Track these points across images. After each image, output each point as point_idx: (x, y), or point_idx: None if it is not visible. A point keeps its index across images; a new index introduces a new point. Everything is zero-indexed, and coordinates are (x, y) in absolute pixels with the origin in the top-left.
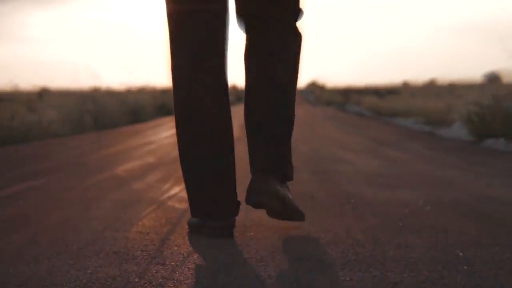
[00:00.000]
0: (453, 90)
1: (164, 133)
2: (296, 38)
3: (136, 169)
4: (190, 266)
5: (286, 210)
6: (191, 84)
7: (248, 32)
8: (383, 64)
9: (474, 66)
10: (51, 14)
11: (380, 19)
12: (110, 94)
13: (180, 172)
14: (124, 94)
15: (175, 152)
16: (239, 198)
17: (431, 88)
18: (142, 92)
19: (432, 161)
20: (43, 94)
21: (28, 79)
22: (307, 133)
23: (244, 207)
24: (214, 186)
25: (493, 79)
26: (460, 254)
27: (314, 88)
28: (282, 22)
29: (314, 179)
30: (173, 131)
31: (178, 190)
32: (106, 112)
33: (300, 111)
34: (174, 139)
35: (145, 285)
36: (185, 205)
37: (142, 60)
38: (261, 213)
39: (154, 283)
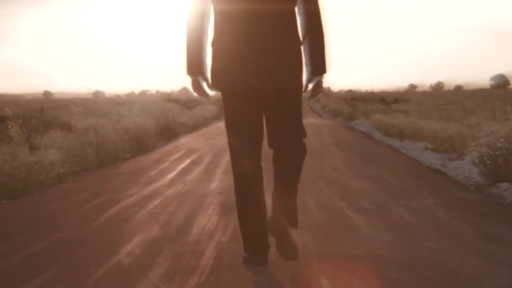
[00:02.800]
0: (461, 94)
1: (168, 175)
2: (303, 150)
3: (139, 252)
4: None
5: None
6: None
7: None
8: (390, 66)
9: (481, 69)
10: (44, 17)
11: (387, 22)
12: (111, 101)
13: (185, 263)
14: (127, 100)
15: (179, 217)
16: None
17: (438, 95)
18: (143, 95)
19: (444, 233)
20: (46, 99)
21: (31, 82)
22: (315, 171)
23: None
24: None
25: (500, 82)
26: None
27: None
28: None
29: (323, 274)
30: (175, 172)
31: None
32: (108, 143)
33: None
34: (178, 188)
35: None
36: None
37: (144, 64)
38: None
39: None
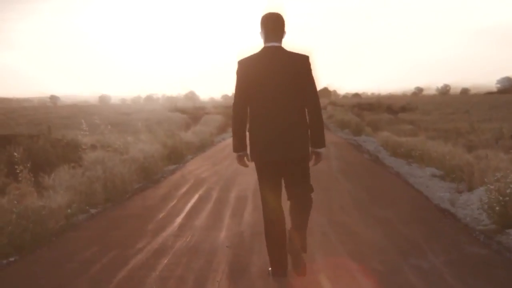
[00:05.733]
0: (467, 100)
1: (176, 219)
2: (310, 201)
3: None
4: None
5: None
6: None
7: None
8: (396, 69)
9: (488, 71)
10: (43, 20)
11: (394, 24)
12: (117, 110)
13: None
14: (133, 107)
15: (188, 285)
16: None
17: (445, 102)
18: (150, 99)
19: None
20: (53, 104)
21: (37, 86)
22: (323, 213)
23: None
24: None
25: (506, 85)
26: None
27: (326, 94)
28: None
29: None
30: (182, 215)
31: None
32: (115, 175)
33: None
34: (186, 240)
35: None
36: None
37: (150, 66)
38: None
39: None
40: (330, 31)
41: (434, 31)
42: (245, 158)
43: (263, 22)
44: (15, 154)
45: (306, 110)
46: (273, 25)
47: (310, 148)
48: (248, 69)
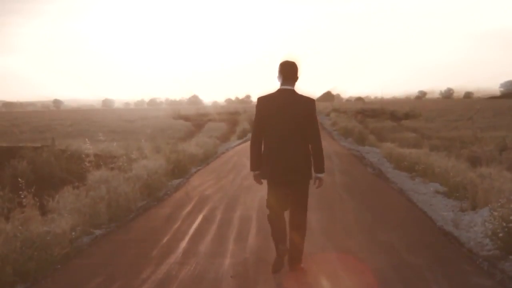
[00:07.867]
0: (471, 105)
1: (181, 243)
2: (305, 213)
3: None
4: None
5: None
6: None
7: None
8: (400, 72)
9: (492, 74)
10: (44, 24)
11: (397, 28)
12: (120, 115)
13: None
14: (136, 113)
15: None
16: None
17: (448, 108)
18: (153, 103)
19: None
20: (56, 108)
21: (40, 90)
22: (327, 237)
23: None
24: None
25: (510, 89)
26: None
27: (329, 98)
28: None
29: None
30: (187, 239)
31: None
32: (120, 194)
33: None
34: (190, 269)
35: None
36: None
37: (153, 69)
38: None
39: None
40: (334, 35)
41: (438, 35)
42: (259, 176)
43: (281, 69)
44: (20, 180)
45: (309, 142)
46: (288, 73)
47: (313, 174)
48: (265, 106)
